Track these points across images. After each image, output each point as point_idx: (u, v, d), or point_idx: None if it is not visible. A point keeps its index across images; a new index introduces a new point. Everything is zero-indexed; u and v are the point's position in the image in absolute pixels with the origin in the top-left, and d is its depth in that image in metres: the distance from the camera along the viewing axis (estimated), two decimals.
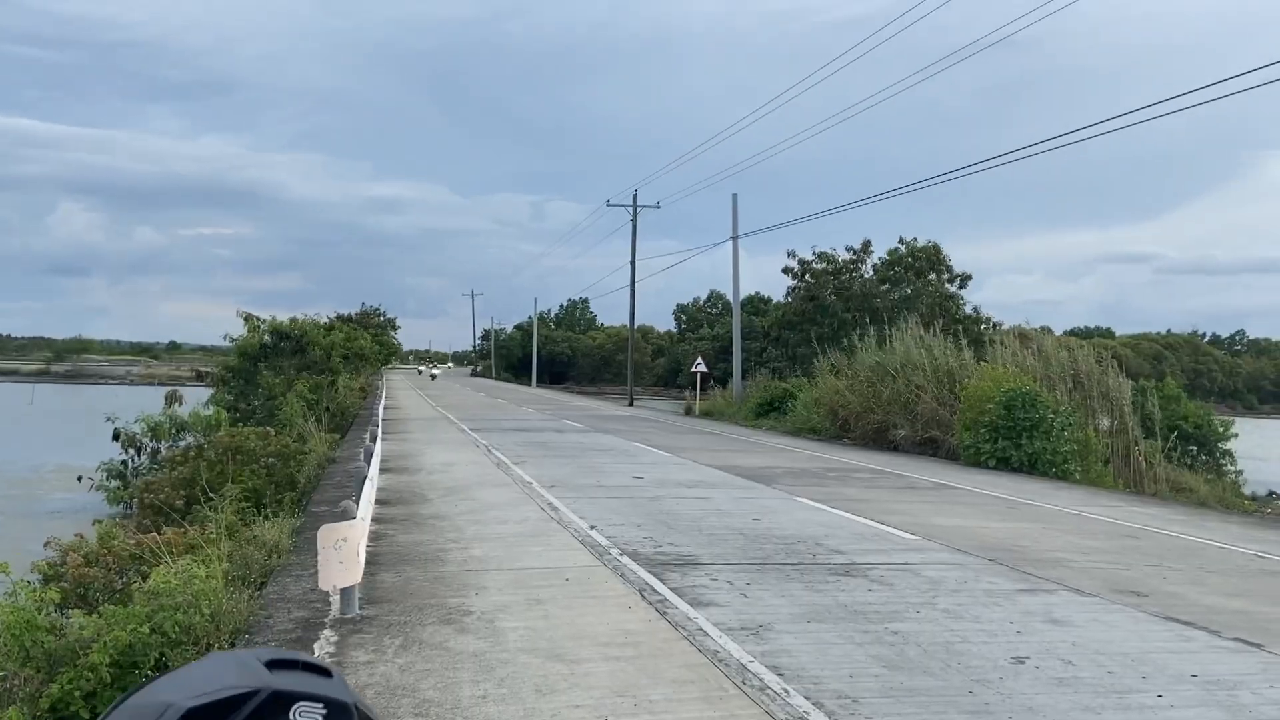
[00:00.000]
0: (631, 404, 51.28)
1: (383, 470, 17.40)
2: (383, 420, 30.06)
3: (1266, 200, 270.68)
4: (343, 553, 7.35)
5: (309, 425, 21.14)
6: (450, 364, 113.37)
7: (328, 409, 25.73)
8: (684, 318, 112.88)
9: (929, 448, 24.41)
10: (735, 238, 40.14)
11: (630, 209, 50.48)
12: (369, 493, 9.56)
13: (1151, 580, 9.63)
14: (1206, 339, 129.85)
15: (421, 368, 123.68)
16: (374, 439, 14.89)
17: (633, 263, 50.03)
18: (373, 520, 11.96)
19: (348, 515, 7.70)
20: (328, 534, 7.34)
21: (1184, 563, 10.72)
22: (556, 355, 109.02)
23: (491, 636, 7.10)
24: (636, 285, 50.51)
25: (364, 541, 8.21)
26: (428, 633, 7.19)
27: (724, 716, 5.55)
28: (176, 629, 6.65)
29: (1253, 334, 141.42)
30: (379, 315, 79.87)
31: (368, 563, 9.55)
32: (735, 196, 40.55)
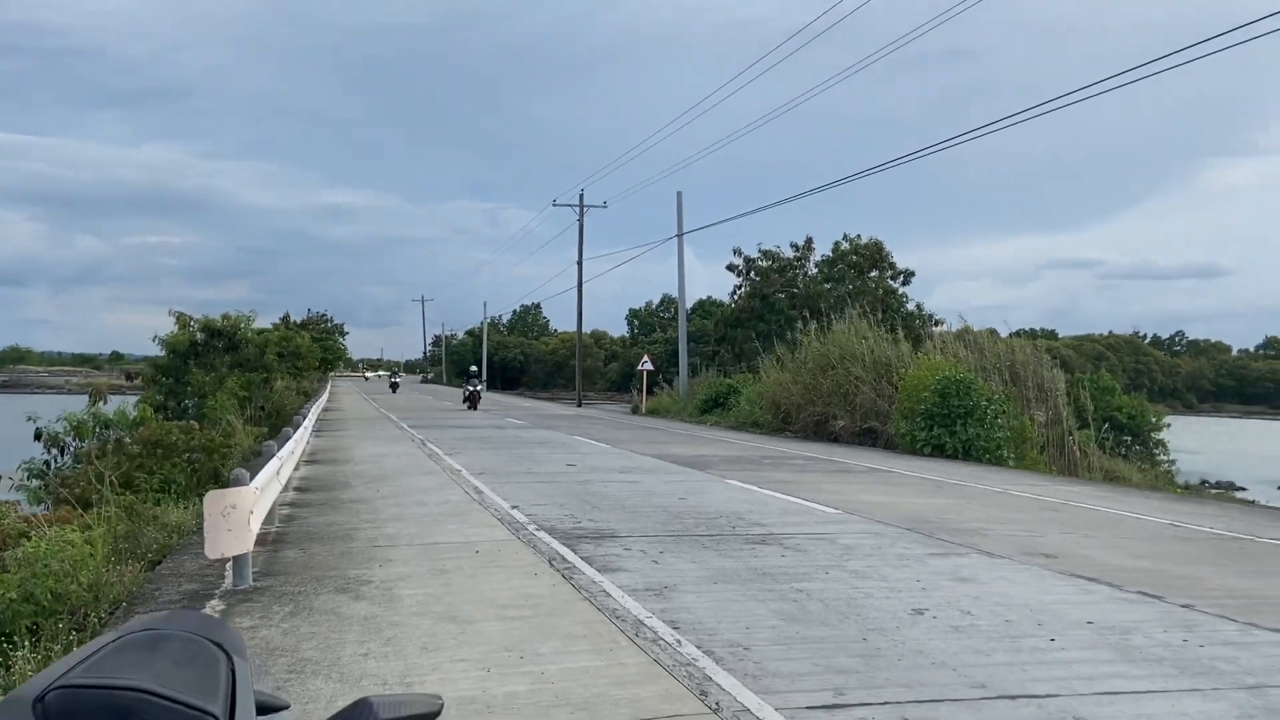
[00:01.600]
0: (580, 405, 51.03)
1: (310, 461, 17.05)
2: (321, 420, 29.59)
3: (1205, 207, 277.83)
4: (231, 520, 7.09)
5: (237, 421, 20.65)
6: (401, 372, 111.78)
7: (262, 407, 25.18)
8: (636, 322, 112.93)
9: (868, 438, 24.54)
10: (680, 234, 40.17)
11: (577, 209, 50.30)
12: (272, 466, 9.28)
13: (1065, 545, 9.67)
14: (1147, 340, 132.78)
15: (370, 374, 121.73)
16: (296, 426, 14.56)
17: (579, 262, 49.84)
18: (288, 505, 11.68)
19: (238, 483, 7.45)
20: (215, 500, 7.09)
21: (1100, 531, 10.80)
22: (509, 361, 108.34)
23: (387, 603, 6.89)
24: (588, 289, 50.32)
25: (258, 511, 7.94)
26: (320, 601, 6.96)
27: (610, 665, 5.41)
28: (49, 597, 6.36)
29: (1191, 335, 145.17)
30: (326, 321, 78.80)
31: (273, 541, 9.31)
32: (680, 194, 40.63)
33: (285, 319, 54.60)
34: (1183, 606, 7.04)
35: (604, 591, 7.20)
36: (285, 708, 1.60)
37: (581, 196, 50.31)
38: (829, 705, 4.76)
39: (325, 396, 42.42)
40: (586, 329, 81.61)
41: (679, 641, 5.86)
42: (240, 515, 7.15)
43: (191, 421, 18.04)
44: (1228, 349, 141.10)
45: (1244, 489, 31.05)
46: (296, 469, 15.02)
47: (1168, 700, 4.95)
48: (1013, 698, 4.92)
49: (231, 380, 24.49)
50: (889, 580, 7.74)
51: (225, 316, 26.62)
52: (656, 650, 5.69)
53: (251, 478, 7.87)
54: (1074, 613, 6.76)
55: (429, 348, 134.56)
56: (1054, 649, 5.84)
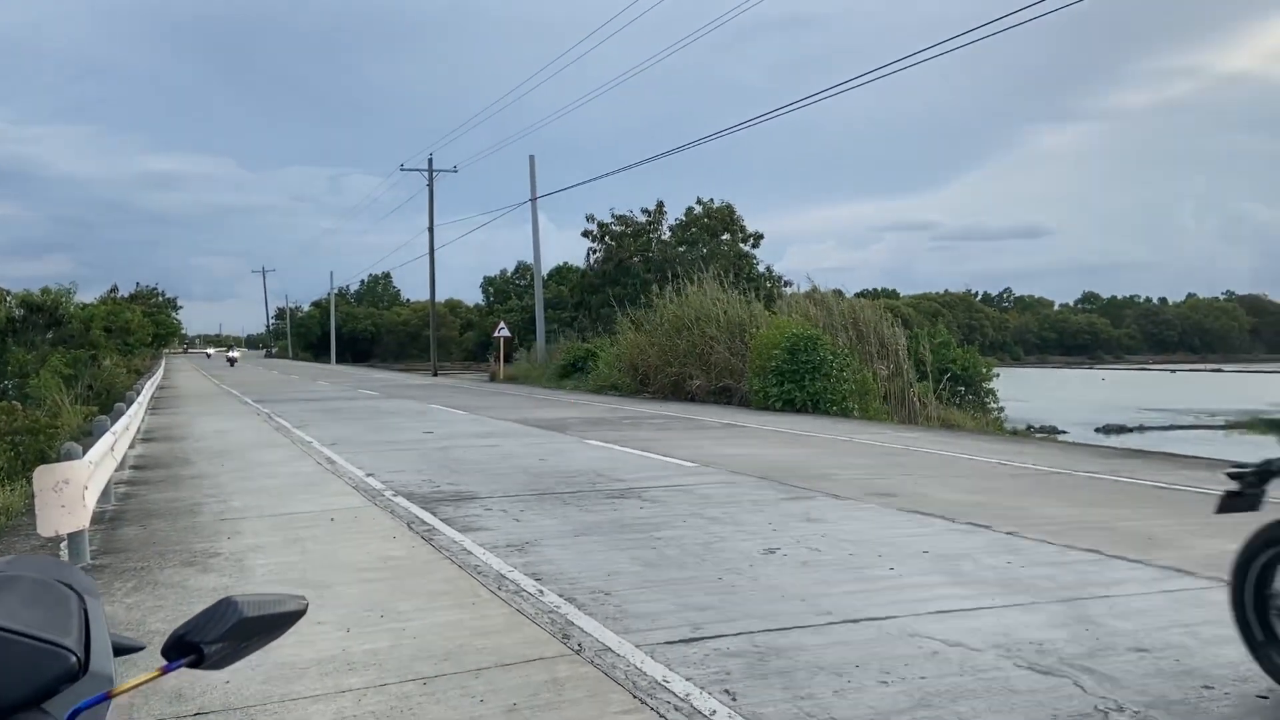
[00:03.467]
0: (435, 375, 50.24)
1: (147, 440, 16.24)
2: (157, 398, 28.11)
3: (1030, 170, 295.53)
4: (64, 496, 6.73)
5: (64, 401, 19.39)
6: (243, 347, 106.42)
7: (90, 386, 23.70)
8: (492, 290, 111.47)
9: (723, 396, 25.18)
10: (534, 199, 39.88)
11: (426, 174, 49.16)
12: (106, 440, 8.81)
13: (905, 485, 10.27)
14: (979, 298, 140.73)
15: (213, 350, 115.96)
16: (129, 403, 13.81)
17: (430, 229, 48.81)
18: (125, 483, 11.12)
19: (71, 456, 7.05)
20: (45, 475, 6.71)
21: (936, 471, 11.50)
22: (359, 333, 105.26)
23: (237, 573, 6.70)
24: (441, 258, 49.36)
25: (93, 487, 7.55)
26: (166, 575, 6.71)
27: (473, 617, 5.45)
28: None
29: (1018, 292, 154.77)
30: (157, 295, 74.59)
31: (110, 520, 8.88)
32: (533, 158, 40.30)
33: (112, 293, 51.30)
34: (1008, 534, 7.61)
35: (465, 550, 7.21)
36: (140, 648, 1.59)
37: (430, 161, 49.23)
38: (686, 639, 4.95)
39: (160, 374, 40.28)
40: (441, 298, 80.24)
41: (541, 592, 5.95)
42: (74, 491, 6.79)
43: (13, 402, 16.83)
44: (1050, 304, 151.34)
45: (1065, 432, 33.49)
46: (132, 447, 14.28)
47: (993, 615, 5.38)
48: (855, 621, 5.24)
49: (55, 358, 22.93)
50: (743, 525, 8.05)
51: (45, 291, 24.84)
52: (519, 601, 5.76)
53: (85, 453, 7.47)
54: (912, 544, 7.22)
55: (272, 321, 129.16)
56: (893, 577, 6.24)
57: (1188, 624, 5.21)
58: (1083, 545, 7.16)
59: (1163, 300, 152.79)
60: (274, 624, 1.35)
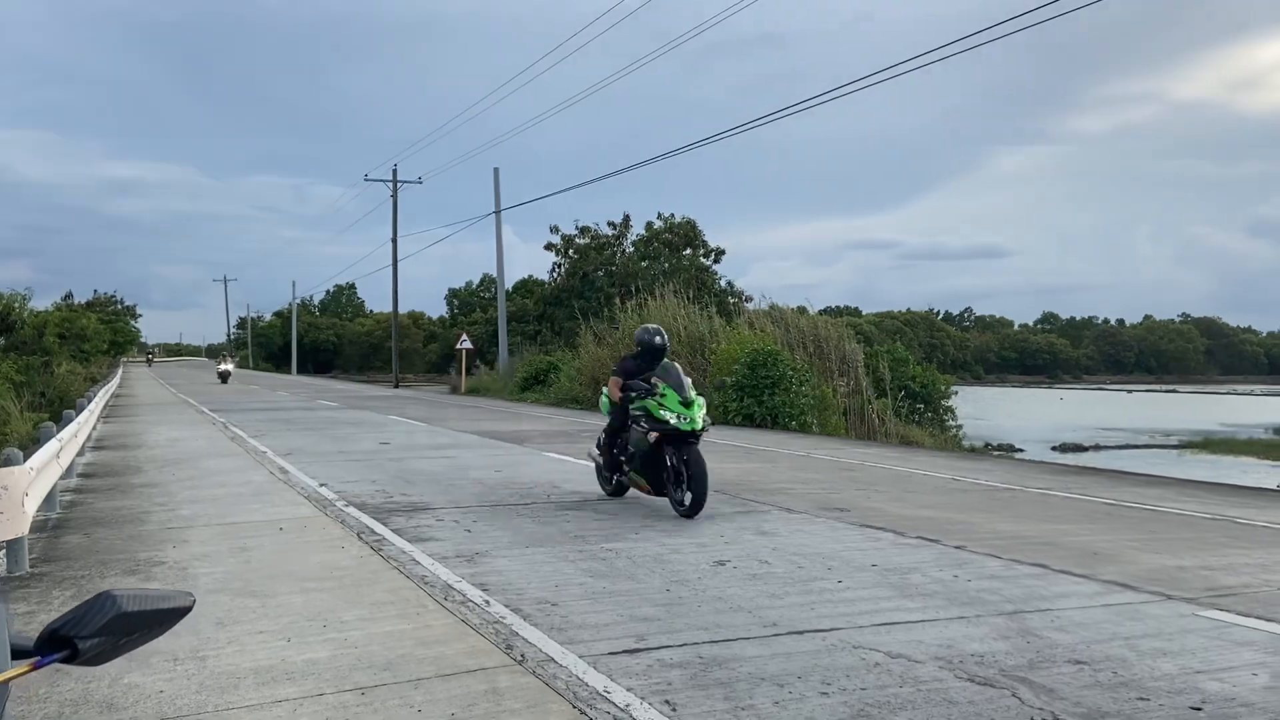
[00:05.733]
0: (397, 386, 49.85)
1: (97, 448, 15.94)
2: (113, 406, 27.62)
3: (990, 192, 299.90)
4: (2, 503, 6.57)
5: (14, 407, 18.99)
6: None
7: (42, 393, 23.24)
8: (456, 302, 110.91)
9: None
10: (498, 211, 39.80)
11: (390, 185, 48.90)
12: (50, 447, 8.64)
13: (857, 500, 10.33)
14: (940, 316, 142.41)
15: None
16: (80, 410, 13.55)
17: (394, 239, 48.51)
18: (71, 491, 10.91)
19: (11, 462, 6.90)
20: None
21: (890, 486, 11.58)
22: (321, 343, 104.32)
23: (180, 582, 6.58)
24: (404, 269, 49.04)
25: (34, 494, 7.39)
26: (106, 584, 6.57)
27: (417, 627, 5.39)
28: None
29: (979, 312, 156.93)
30: (115, 302, 73.48)
31: (53, 528, 8.70)
32: (497, 170, 40.21)
33: (67, 299, 50.41)
34: (956, 548, 7.68)
35: (414, 560, 7.15)
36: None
37: (395, 172, 48.98)
38: (630, 650, 4.93)
39: (116, 381, 39.59)
40: (404, 309, 79.72)
41: (488, 602, 5.91)
42: (13, 497, 6.63)
43: None
44: (1011, 324, 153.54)
45: (1022, 449, 33.95)
46: (81, 454, 14.01)
47: (937, 627, 5.42)
48: (800, 633, 5.25)
49: (6, 364, 22.45)
50: (695, 537, 8.05)
51: None
52: (465, 611, 5.71)
53: (26, 459, 7.31)
54: (860, 558, 7.26)
55: (233, 331, 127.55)
56: (841, 589, 6.27)
57: (1127, 637, 5.28)
58: (1029, 560, 7.25)
59: (1120, 321, 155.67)
60: (156, 620, 1.32)
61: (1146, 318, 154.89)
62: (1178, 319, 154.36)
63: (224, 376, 47.29)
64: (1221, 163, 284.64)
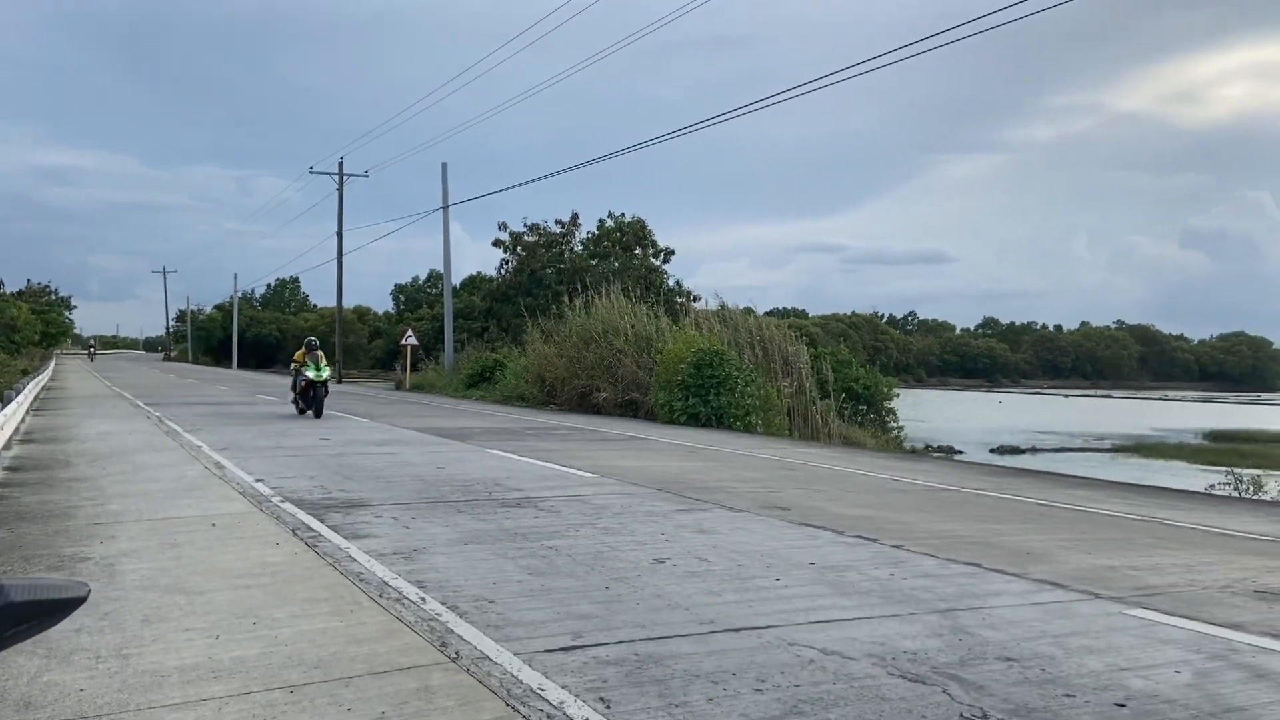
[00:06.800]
0: (340, 382, 49.13)
1: (25, 441, 15.46)
2: (44, 399, 26.83)
3: (935, 198, 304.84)
4: None
5: None
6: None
7: None
8: (403, 298, 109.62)
9: (629, 409, 25.21)
10: (446, 206, 39.43)
11: (336, 178, 48.20)
12: None
13: (798, 499, 10.41)
14: (885, 320, 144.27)
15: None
16: (8, 402, 13.13)
17: (339, 233, 47.85)
18: None
19: None
20: None
21: (830, 486, 11.70)
22: (264, 337, 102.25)
23: (106, 579, 6.40)
24: (350, 263, 48.40)
25: None
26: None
27: (349, 625, 5.30)
28: None
29: (922, 316, 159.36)
30: (50, 293, 71.40)
31: None
32: (445, 165, 39.87)
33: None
34: (893, 547, 7.77)
35: (349, 557, 7.04)
36: None
37: (341, 164, 48.31)
38: (566, 648, 4.91)
39: (48, 374, 38.51)
40: (349, 304, 78.67)
41: (423, 599, 5.84)
42: None
43: None
44: (952, 328, 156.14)
45: (961, 451, 34.52)
46: (8, 448, 13.59)
47: (871, 624, 5.48)
48: (737, 630, 5.27)
49: None
50: (636, 535, 8.05)
51: None
52: (400, 609, 5.64)
53: None
54: (799, 556, 7.31)
55: (173, 324, 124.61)
56: (778, 587, 6.30)
57: (1056, 635, 5.38)
58: (964, 559, 7.36)
59: (1058, 327, 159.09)
60: (48, 610, 1.27)
61: (1083, 324, 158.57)
62: (1113, 326, 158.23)
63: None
64: (1157, 174, 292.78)
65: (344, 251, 48.72)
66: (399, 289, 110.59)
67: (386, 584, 6.22)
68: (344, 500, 9.74)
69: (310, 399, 21.24)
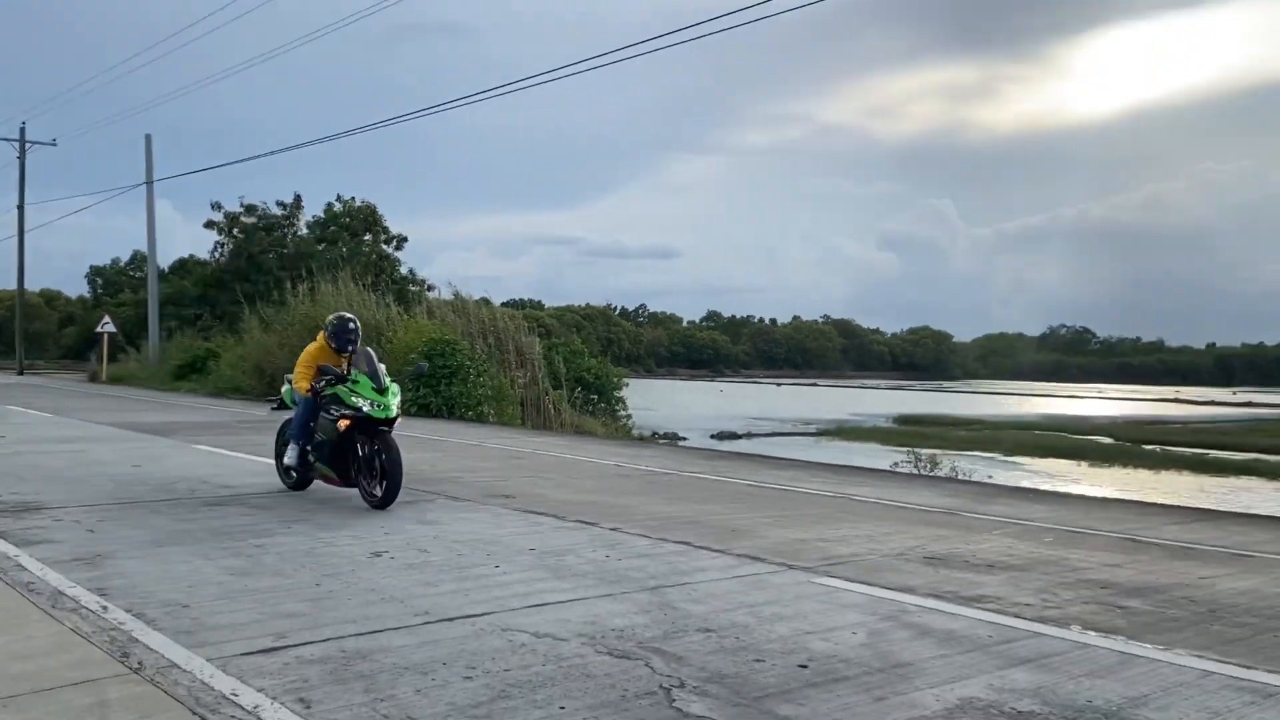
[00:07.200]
0: (21, 373, 43.90)
1: None
2: None
3: (667, 196, 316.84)
4: None
5: None
6: None
7: None
8: (101, 281, 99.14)
9: None
10: (150, 182, 36.15)
11: (17, 145, 42.86)
12: None
13: (524, 487, 10.50)
14: (618, 312, 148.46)
15: None
16: None
17: (20, 206, 42.60)
18: None
19: None
20: None
21: (557, 473, 11.90)
22: None
23: None
24: (37, 240, 43.15)
25: None
26: None
27: (13, 641, 4.74)
28: None
29: (652, 308, 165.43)
30: None
31: None
32: (149, 137, 36.56)
33: None
34: (611, 530, 8.03)
35: (18, 566, 6.30)
36: None
37: (23, 130, 43.02)
38: (266, 649, 4.67)
39: None
40: (35, 287, 70.26)
41: (105, 608, 5.34)
42: None
43: None
44: (680, 321, 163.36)
45: (686, 438, 36.20)
46: None
47: (585, 605, 5.63)
48: (451, 619, 5.24)
49: None
50: (353, 529, 7.79)
51: None
52: (76, 620, 5.12)
53: None
54: (520, 542, 7.39)
55: None
56: (497, 575, 6.33)
57: (751, 605, 5.78)
58: (675, 538, 7.73)
59: (773, 321, 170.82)
60: None
61: (795, 318, 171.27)
62: (820, 320, 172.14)
63: None
64: (858, 181, 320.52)
65: (26, 229, 43.45)
66: (96, 271, 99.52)
67: (61, 593, 5.63)
68: (15, 504, 8.71)
69: (364, 464, 9.02)
